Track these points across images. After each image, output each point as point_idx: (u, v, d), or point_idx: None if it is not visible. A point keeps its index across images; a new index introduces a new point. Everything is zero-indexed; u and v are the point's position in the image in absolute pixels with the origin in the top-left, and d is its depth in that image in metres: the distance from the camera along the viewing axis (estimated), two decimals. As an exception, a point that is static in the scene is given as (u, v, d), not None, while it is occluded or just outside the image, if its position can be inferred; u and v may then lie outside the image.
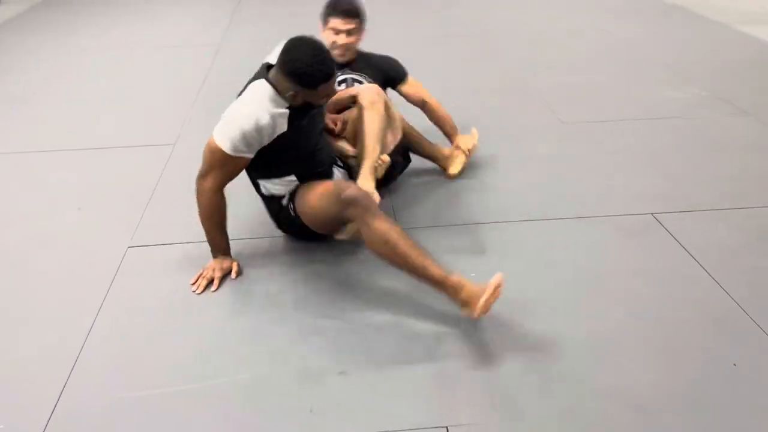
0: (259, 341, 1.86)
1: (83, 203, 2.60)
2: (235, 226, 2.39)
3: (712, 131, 3.19)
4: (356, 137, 2.30)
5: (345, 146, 2.34)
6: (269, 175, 2.16)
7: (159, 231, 2.37)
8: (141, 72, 4.25)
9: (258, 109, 1.92)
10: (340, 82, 2.56)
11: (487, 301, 1.76)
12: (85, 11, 5.87)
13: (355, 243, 2.29)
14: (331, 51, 2.20)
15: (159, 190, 2.68)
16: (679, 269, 2.15)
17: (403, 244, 1.88)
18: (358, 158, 2.27)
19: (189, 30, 5.26)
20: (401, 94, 2.73)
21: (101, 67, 4.37)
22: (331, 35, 2.51)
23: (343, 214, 1.97)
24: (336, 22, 2.50)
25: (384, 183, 2.49)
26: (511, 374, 1.73)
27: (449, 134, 2.79)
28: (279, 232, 2.35)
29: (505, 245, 2.28)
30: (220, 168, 2.00)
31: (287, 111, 1.99)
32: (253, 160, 2.02)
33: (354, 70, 2.61)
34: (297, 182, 2.17)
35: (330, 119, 2.39)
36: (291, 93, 1.94)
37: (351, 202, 1.94)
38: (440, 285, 1.86)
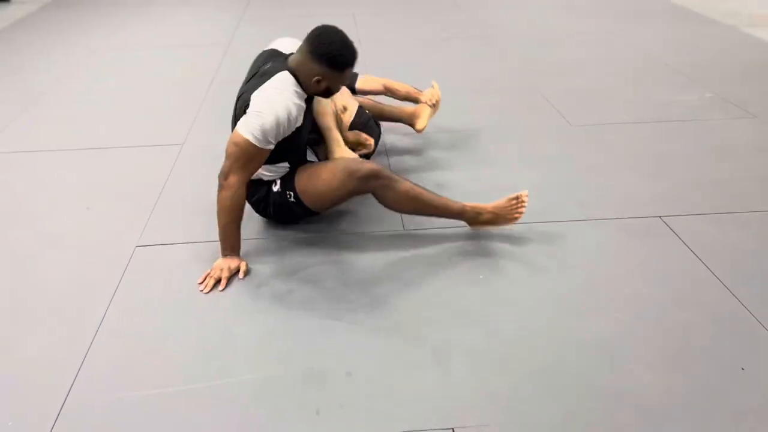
0: (265, 341, 1.87)
1: (92, 202, 2.61)
2: (244, 225, 2.41)
3: (720, 134, 3.18)
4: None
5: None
6: (265, 162, 2.20)
7: (167, 230, 2.38)
8: (149, 72, 4.27)
9: (289, 101, 2.03)
10: None
11: (512, 205, 2.24)
12: (95, 12, 5.90)
13: (364, 243, 2.30)
14: None
15: (167, 189, 2.70)
16: (687, 272, 2.14)
17: (426, 194, 2.23)
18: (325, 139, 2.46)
19: (197, 31, 5.28)
20: (360, 92, 2.88)
21: (110, 67, 4.39)
22: None
23: (365, 189, 2.19)
24: None
25: (367, 156, 2.66)
26: (516, 376, 1.73)
27: (416, 99, 2.87)
28: (286, 232, 2.36)
29: (511, 247, 2.28)
30: (247, 162, 2.04)
31: (305, 104, 2.12)
32: None
33: None
34: (288, 168, 2.28)
35: None
36: (317, 78, 2.05)
37: (372, 177, 2.16)
38: (463, 214, 2.28)
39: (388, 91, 2.87)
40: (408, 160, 2.92)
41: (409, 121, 2.84)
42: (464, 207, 2.26)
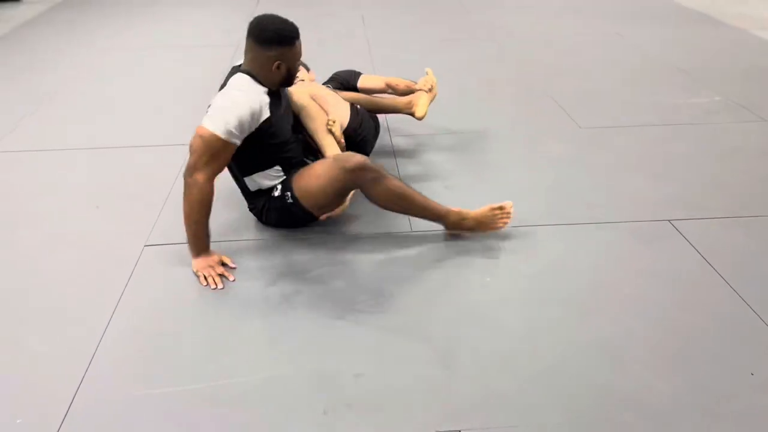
0: (273, 342, 1.87)
1: (101, 201, 2.63)
2: (250, 227, 2.42)
3: (729, 137, 3.17)
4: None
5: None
6: (256, 169, 2.27)
7: (175, 230, 2.38)
8: (158, 72, 4.29)
9: (250, 95, 2.09)
10: None
11: (495, 215, 2.26)
12: (104, 11, 5.93)
13: (371, 244, 2.30)
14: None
15: (176, 188, 2.70)
16: (696, 276, 2.13)
17: (414, 193, 2.22)
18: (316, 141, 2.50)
19: (206, 31, 5.30)
20: (362, 90, 2.96)
21: (119, 66, 4.41)
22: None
23: (354, 182, 2.16)
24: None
25: (363, 149, 2.69)
26: (522, 377, 1.72)
27: (414, 89, 2.88)
28: (294, 234, 2.37)
29: (519, 249, 2.28)
30: (213, 157, 2.04)
31: (268, 98, 2.15)
32: (239, 157, 2.17)
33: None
34: (283, 174, 2.30)
35: None
36: (276, 64, 2.10)
37: (360, 169, 2.13)
38: (446, 217, 2.26)
39: (390, 87, 2.92)
40: (415, 162, 2.92)
41: (407, 110, 2.81)
42: (449, 211, 2.25)
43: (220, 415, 1.63)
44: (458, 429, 1.57)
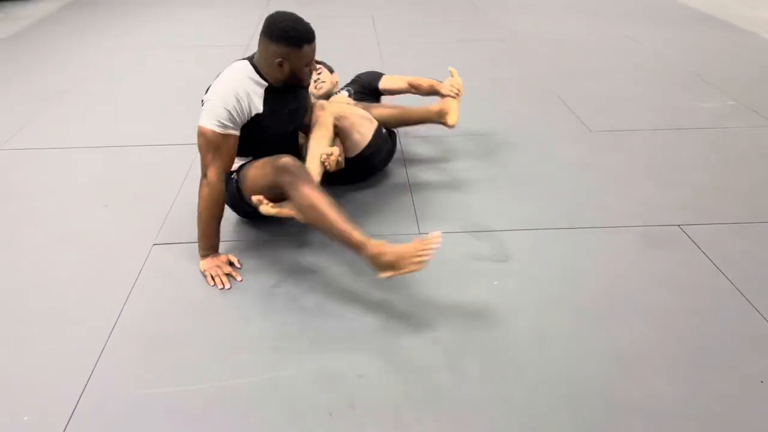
0: (278, 342, 1.87)
1: (110, 200, 2.63)
2: (258, 226, 2.42)
3: (741, 142, 3.14)
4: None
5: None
6: (242, 155, 2.25)
7: (184, 229, 2.39)
8: (169, 72, 4.30)
9: (236, 85, 2.07)
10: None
11: (416, 250, 1.84)
12: (114, 11, 5.96)
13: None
14: (312, 90, 2.84)
15: (184, 188, 2.71)
16: (706, 282, 2.11)
17: (328, 210, 1.95)
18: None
19: (217, 31, 5.31)
20: (384, 92, 2.94)
21: (130, 66, 4.43)
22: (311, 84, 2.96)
23: (276, 180, 2.05)
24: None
25: (370, 173, 2.72)
26: (529, 383, 1.71)
27: (439, 92, 2.79)
28: (301, 233, 2.37)
29: (529, 253, 2.27)
30: (216, 151, 2.07)
31: (263, 90, 2.12)
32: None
33: (334, 94, 2.99)
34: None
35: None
36: (278, 61, 2.06)
37: (284, 169, 2.03)
38: (360, 248, 1.90)
39: (413, 88, 2.85)
40: (423, 164, 2.91)
41: (438, 119, 2.71)
42: (367, 242, 1.89)
43: (225, 416, 1.63)
44: (464, 433, 1.57)
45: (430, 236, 1.87)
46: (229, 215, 2.42)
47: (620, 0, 6.14)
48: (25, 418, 1.62)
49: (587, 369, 1.76)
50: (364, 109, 2.65)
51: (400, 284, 2.10)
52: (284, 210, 2.06)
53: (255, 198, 2.07)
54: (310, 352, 1.83)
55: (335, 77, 3.06)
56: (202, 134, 2.07)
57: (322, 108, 2.44)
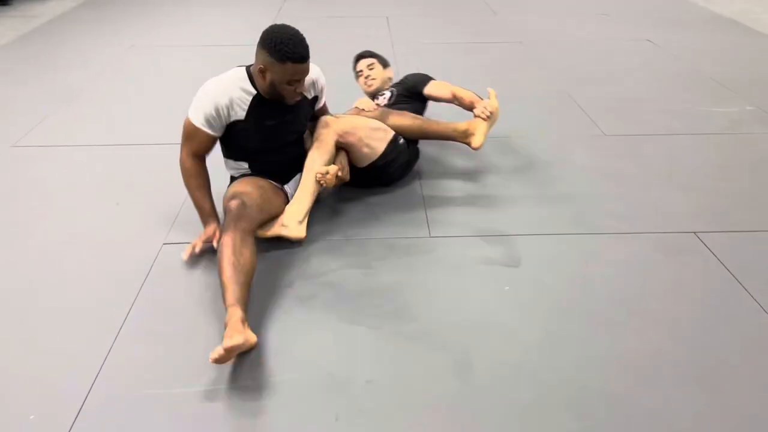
0: (286, 345, 1.85)
1: (121, 199, 2.63)
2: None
3: (759, 148, 3.09)
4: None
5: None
6: (227, 155, 2.37)
7: (194, 228, 2.38)
8: (183, 71, 4.31)
9: (221, 90, 2.13)
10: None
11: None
12: (130, 10, 5.98)
13: (389, 248, 2.28)
14: (362, 86, 3.01)
15: (195, 188, 2.70)
16: (722, 292, 2.07)
17: (227, 268, 1.90)
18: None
19: (231, 30, 5.32)
20: (429, 97, 2.93)
21: (144, 65, 4.44)
22: (361, 77, 3.08)
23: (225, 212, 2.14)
24: (360, 65, 3.10)
25: (386, 182, 2.67)
26: (539, 390, 1.68)
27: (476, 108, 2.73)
28: (312, 236, 2.36)
29: (541, 258, 2.24)
30: (188, 138, 2.21)
31: (250, 98, 2.16)
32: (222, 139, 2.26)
33: (382, 91, 3.01)
34: (248, 170, 2.36)
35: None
36: (260, 67, 2.08)
37: (226, 209, 2.13)
38: (231, 307, 1.81)
39: (455, 99, 2.81)
40: (436, 166, 2.89)
41: (462, 139, 2.65)
42: (231, 314, 1.79)
43: (232, 418, 1.62)
44: (472, 441, 1.54)
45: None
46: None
47: (640, 3, 6.07)
48: (32, 417, 1.62)
49: (599, 379, 1.73)
50: (385, 116, 2.60)
51: (409, 288, 2.08)
52: (273, 231, 2.26)
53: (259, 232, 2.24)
54: (317, 355, 1.81)
55: (388, 73, 3.07)
56: (184, 121, 2.21)
57: (326, 125, 2.41)
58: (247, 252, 1.98)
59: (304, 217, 2.31)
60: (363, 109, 2.62)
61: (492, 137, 3.17)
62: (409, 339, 1.87)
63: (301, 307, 2.01)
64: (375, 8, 5.92)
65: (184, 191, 2.65)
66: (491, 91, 2.72)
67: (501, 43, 4.87)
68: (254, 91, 2.17)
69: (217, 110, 2.14)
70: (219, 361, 1.66)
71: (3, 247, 2.34)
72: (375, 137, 2.51)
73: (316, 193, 2.36)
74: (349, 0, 6.22)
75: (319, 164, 2.34)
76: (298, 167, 2.44)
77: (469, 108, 2.76)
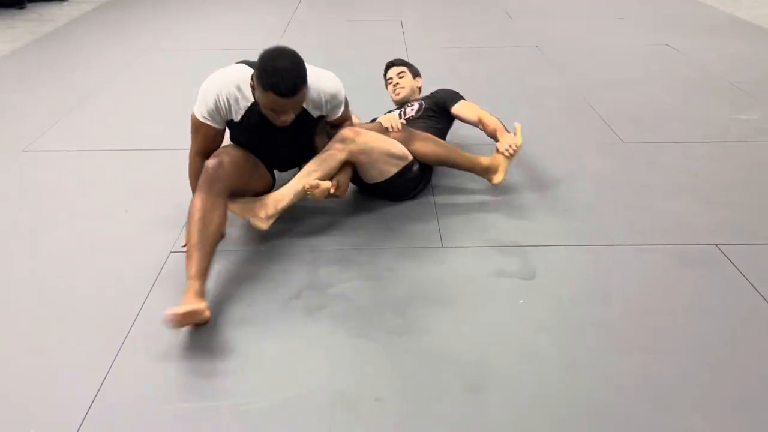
0: (293, 360, 1.81)
1: (130, 205, 2.60)
2: (280, 234, 2.36)
3: (784, 157, 3.00)
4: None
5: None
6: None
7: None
8: (196, 74, 4.26)
9: (223, 85, 2.13)
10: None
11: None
12: (146, 14, 5.98)
13: (400, 259, 2.22)
14: (391, 93, 3.01)
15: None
16: (746, 307, 2.00)
17: (198, 236, 1.97)
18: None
19: (245, 34, 5.29)
20: (455, 116, 2.85)
21: (158, 68, 4.43)
22: (390, 85, 3.07)
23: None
24: (390, 72, 3.08)
25: (391, 198, 2.60)
26: (558, 412, 1.62)
27: (497, 142, 2.66)
28: (322, 245, 2.32)
29: (557, 271, 2.17)
30: (195, 133, 2.22)
31: (247, 105, 2.15)
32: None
33: (409, 102, 2.96)
34: None
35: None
36: (251, 82, 2.05)
37: (203, 167, 2.12)
38: (191, 279, 1.91)
39: (480, 123, 2.74)
40: (450, 175, 2.82)
41: (483, 175, 2.60)
42: (196, 279, 1.91)
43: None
44: (484, 464, 1.49)
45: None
46: (242, 223, 2.38)
47: (659, 7, 5.97)
48: (31, 430, 1.59)
49: (618, 401, 1.66)
50: (410, 138, 2.50)
51: (420, 301, 2.03)
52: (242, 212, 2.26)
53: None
54: (325, 371, 1.76)
55: (418, 82, 3.04)
56: (191, 114, 2.21)
57: (343, 141, 2.32)
58: (216, 218, 2.02)
59: (274, 214, 2.29)
60: (388, 129, 2.49)
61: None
62: (421, 355, 1.81)
63: (308, 320, 1.96)
64: (389, 11, 5.87)
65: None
66: (518, 126, 2.64)
67: (516, 47, 4.80)
68: (252, 99, 2.14)
69: (216, 105, 2.14)
70: (173, 324, 1.77)
71: (11, 251, 2.31)
72: (388, 162, 2.44)
73: (299, 198, 2.31)
74: (362, 3, 6.19)
75: (314, 176, 2.29)
76: (297, 163, 2.41)
77: (492, 136, 2.70)
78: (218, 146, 2.27)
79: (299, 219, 2.47)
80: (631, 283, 2.12)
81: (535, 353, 1.82)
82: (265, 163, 2.39)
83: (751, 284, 2.09)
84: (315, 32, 5.19)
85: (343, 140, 2.33)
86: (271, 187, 2.41)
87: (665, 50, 4.68)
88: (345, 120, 2.41)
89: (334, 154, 2.33)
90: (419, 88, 3.07)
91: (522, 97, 3.79)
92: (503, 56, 4.58)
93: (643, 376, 1.73)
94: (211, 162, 2.12)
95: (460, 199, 2.63)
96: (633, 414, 1.62)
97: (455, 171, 2.75)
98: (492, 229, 2.41)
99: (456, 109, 2.84)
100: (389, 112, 3.01)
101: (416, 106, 2.89)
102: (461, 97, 2.90)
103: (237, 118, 2.17)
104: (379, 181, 2.51)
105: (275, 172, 2.49)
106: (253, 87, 2.05)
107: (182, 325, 1.82)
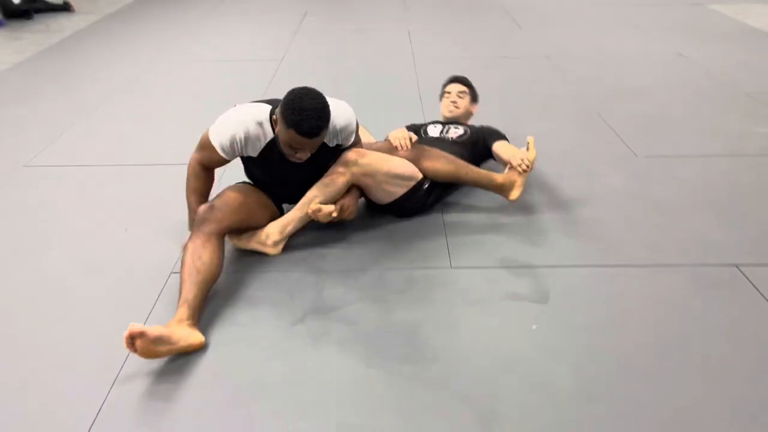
0: (295, 389, 1.73)
1: (131, 223, 2.54)
2: (287, 258, 2.30)
3: (804, 172, 2.90)
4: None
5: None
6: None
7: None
8: (202, 86, 4.24)
9: (242, 124, 2.15)
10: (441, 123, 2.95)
11: None
12: (150, 24, 5.96)
13: (408, 280, 2.15)
14: (444, 107, 2.97)
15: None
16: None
17: (187, 270, 1.98)
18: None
19: (252, 45, 5.25)
20: (494, 153, 2.79)
21: (163, 80, 4.39)
22: (446, 99, 3.01)
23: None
24: (451, 87, 3.03)
25: (398, 216, 2.54)
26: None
27: (510, 164, 2.58)
28: (327, 266, 2.25)
29: (571, 294, 2.09)
30: (202, 148, 2.26)
31: (266, 141, 2.18)
32: None
33: (457, 124, 2.91)
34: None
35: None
36: (275, 117, 2.09)
37: (198, 215, 2.15)
38: (180, 308, 1.91)
39: (502, 160, 2.70)
40: (459, 193, 2.75)
41: (498, 192, 2.53)
42: (181, 318, 1.88)
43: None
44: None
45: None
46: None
47: (669, 15, 5.89)
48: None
49: (637, 431, 1.58)
50: (420, 155, 2.44)
51: (428, 326, 1.95)
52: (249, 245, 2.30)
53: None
54: (328, 401, 1.69)
55: (473, 108, 3.01)
56: (206, 130, 2.23)
57: (346, 164, 2.29)
58: (206, 255, 2.03)
59: (283, 239, 2.31)
60: (396, 147, 2.44)
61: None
62: (429, 384, 1.73)
63: (312, 346, 1.88)
64: (396, 22, 5.82)
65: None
66: (530, 139, 2.55)
67: (526, 57, 4.72)
68: (272, 135, 2.17)
69: (232, 143, 2.17)
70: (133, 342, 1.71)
71: (10, 269, 2.26)
72: (395, 183, 2.39)
73: (304, 222, 2.32)
74: (369, 14, 6.14)
75: (316, 202, 2.27)
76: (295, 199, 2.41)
77: (504, 164, 2.64)
78: (221, 165, 2.30)
79: (303, 236, 2.40)
80: (648, 307, 2.03)
81: (550, 382, 1.73)
82: (276, 195, 2.42)
83: (775, 308, 2.00)
84: (322, 43, 5.14)
85: (346, 163, 2.30)
86: (274, 218, 2.40)
87: (677, 59, 4.59)
88: (355, 145, 2.38)
89: (336, 178, 2.30)
90: (471, 114, 3.02)
91: (532, 108, 3.72)
92: (513, 67, 4.51)
93: (662, 406, 1.65)
94: (202, 207, 2.16)
95: (470, 216, 2.56)
96: (654, 450, 1.53)
97: (465, 187, 2.68)
98: (502, 249, 2.33)
99: (496, 147, 2.76)
100: (431, 123, 2.96)
101: (461, 131, 2.82)
102: (504, 138, 2.84)
103: (255, 154, 2.22)
104: (386, 202, 2.46)
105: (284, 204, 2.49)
106: (275, 122, 2.09)
107: (137, 350, 1.72)
